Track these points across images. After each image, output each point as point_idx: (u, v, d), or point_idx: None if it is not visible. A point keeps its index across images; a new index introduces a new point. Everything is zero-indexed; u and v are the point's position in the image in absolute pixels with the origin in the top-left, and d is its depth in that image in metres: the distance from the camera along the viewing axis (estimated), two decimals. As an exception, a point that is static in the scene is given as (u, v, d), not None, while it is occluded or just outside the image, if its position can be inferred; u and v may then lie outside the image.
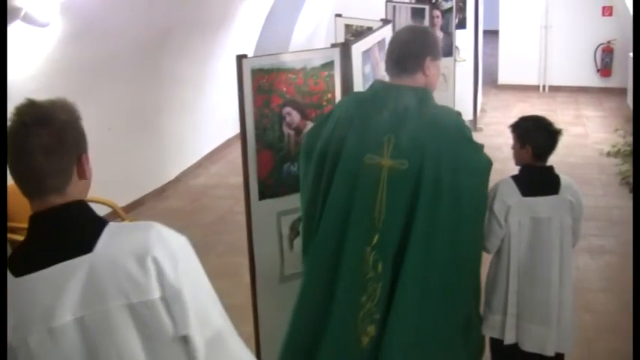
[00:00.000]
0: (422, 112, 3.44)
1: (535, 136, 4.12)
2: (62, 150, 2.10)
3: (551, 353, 4.14)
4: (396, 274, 3.38)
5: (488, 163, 3.54)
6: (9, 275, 2.07)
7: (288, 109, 4.23)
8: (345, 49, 4.42)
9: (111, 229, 2.13)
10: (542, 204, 4.08)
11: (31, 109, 2.10)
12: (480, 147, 3.54)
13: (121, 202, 7.63)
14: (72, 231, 2.11)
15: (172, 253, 2.11)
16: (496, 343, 4.25)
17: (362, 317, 3.45)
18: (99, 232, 2.10)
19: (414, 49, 3.53)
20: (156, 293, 2.06)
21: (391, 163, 3.39)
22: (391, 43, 3.68)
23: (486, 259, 3.97)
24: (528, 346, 4.14)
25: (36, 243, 2.11)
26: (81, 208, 2.16)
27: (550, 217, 4.07)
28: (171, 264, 2.09)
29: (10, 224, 5.46)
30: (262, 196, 4.26)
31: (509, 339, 4.15)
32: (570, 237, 4.14)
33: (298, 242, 4.44)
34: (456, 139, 3.43)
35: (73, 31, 6.59)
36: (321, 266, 3.57)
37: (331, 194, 3.51)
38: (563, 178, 4.16)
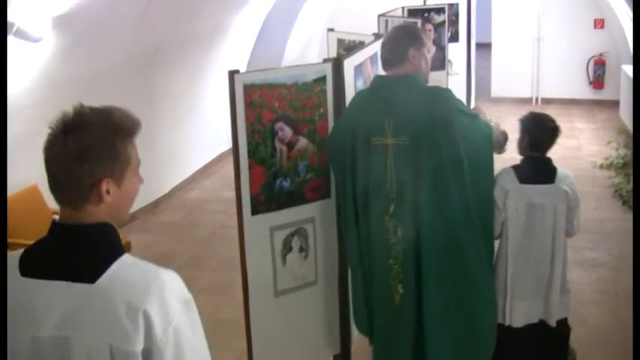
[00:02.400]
0: (412, 94, 3.98)
1: (533, 128, 4.56)
2: (80, 166, 2.05)
3: (535, 320, 4.57)
4: (415, 236, 3.93)
5: (487, 127, 4.15)
6: (16, 271, 2.09)
7: (280, 125, 4.23)
8: (337, 64, 4.43)
9: (121, 265, 2.09)
10: (537, 191, 4.47)
11: (73, 115, 2.09)
12: (475, 115, 4.15)
13: (114, 216, 7.61)
14: (84, 255, 2.08)
15: (167, 313, 2.05)
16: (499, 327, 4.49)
17: (392, 278, 4.05)
18: (109, 263, 2.07)
19: (398, 43, 4.10)
20: (139, 346, 2.01)
21: (393, 141, 3.93)
22: (382, 41, 4.26)
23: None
24: (517, 322, 4.55)
25: (49, 251, 2.10)
26: (103, 232, 2.12)
27: (544, 204, 4.46)
28: (162, 324, 2.03)
29: (8, 240, 5.45)
30: (255, 211, 4.24)
31: (502, 319, 4.52)
32: (563, 224, 4.49)
33: (291, 258, 4.45)
34: (447, 111, 3.93)
35: (65, 46, 6.59)
36: (356, 240, 4.18)
37: (356, 175, 4.08)
38: (561, 170, 4.55)
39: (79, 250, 2.08)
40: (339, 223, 4.58)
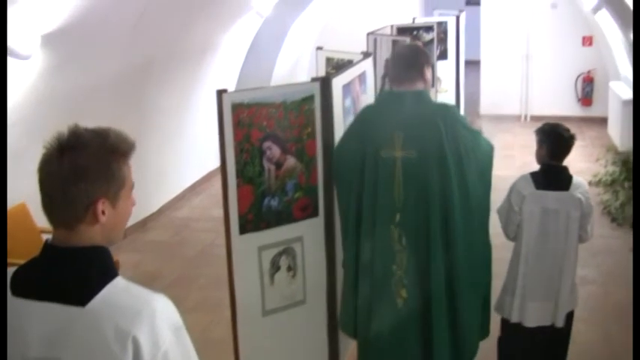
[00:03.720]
0: (422, 109, 4.23)
1: (550, 138, 4.78)
2: (77, 187, 2.06)
3: (547, 323, 4.81)
4: (423, 242, 4.16)
5: (488, 146, 4.33)
6: (7, 290, 2.09)
7: (268, 144, 4.23)
8: (325, 83, 4.44)
9: (113, 289, 2.08)
10: (552, 197, 4.72)
11: (68, 136, 2.09)
12: (477, 132, 4.38)
13: (103, 234, 7.58)
14: (76, 278, 2.08)
15: (157, 340, 2.03)
16: (505, 323, 4.96)
17: (394, 283, 4.24)
18: (101, 286, 2.06)
19: (414, 62, 4.33)
20: None
21: (402, 153, 4.13)
22: (392, 58, 4.57)
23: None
24: (529, 322, 4.82)
25: (41, 272, 2.10)
26: (96, 255, 2.12)
27: (558, 210, 4.71)
28: (151, 350, 2.02)
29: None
30: (243, 230, 4.24)
31: (514, 318, 4.83)
32: (576, 229, 4.73)
33: (279, 277, 4.44)
34: (453, 127, 4.13)
35: (54, 64, 6.59)
36: (359, 246, 4.30)
37: (364, 186, 4.24)
38: (576, 178, 4.80)
39: (71, 272, 2.08)
40: (327, 242, 4.59)
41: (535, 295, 4.79)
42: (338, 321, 4.67)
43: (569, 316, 4.93)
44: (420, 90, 4.29)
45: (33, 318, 2.06)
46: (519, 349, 4.98)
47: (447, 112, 4.24)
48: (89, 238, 2.11)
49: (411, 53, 4.46)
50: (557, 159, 4.79)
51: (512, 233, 4.86)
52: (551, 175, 4.80)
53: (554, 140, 4.78)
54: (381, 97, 4.61)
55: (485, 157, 4.28)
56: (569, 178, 4.78)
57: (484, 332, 4.49)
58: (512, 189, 4.83)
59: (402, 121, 4.16)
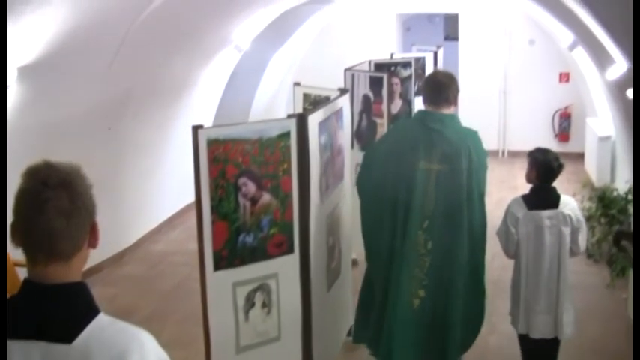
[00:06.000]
0: (455, 130, 4.92)
1: (541, 163, 5.24)
2: (80, 215, 2.10)
3: (550, 336, 5.22)
4: (447, 247, 4.77)
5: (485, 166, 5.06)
6: None
7: (243, 180, 4.22)
8: (301, 119, 4.45)
9: (99, 324, 2.09)
10: (544, 216, 5.17)
11: (50, 170, 2.10)
12: (486, 152, 5.12)
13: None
14: (61, 317, 2.07)
15: None
16: (519, 335, 5.39)
17: (415, 284, 4.76)
18: (87, 322, 2.07)
19: (449, 89, 4.96)
20: None
21: (439, 167, 4.74)
22: (428, 82, 5.15)
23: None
24: (535, 334, 5.23)
25: (24, 311, 2.08)
26: (79, 293, 2.13)
27: (550, 227, 5.16)
28: None
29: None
30: (217, 266, 4.22)
31: (521, 329, 5.29)
32: (567, 244, 5.17)
33: (253, 313, 4.42)
34: (478, 148, 4.94)
35: (30, 97, 6.57)
36: (388, 247, 4.85)
37: (399, 191, 4.78)
38: (564, 197, 5.28)
39: (57, 310, 2.08)
40: (302, 279, 4.58)
41: (538, 307, 5.19)
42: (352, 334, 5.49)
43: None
44: (453, 113, 5.01)
45: (19, 357, 2.04)
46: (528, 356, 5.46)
47: (475, 136, 5.02)
48: (78, 268, 2.15)
49: (446, 80, 5.02)
50: (546, 181, 5.25)
51: (512, 252, 5.30)
52: (541, 195, 5.25)
53: (543, 167, 5.22)
54: (418, 114, 5.32)
55: (485, 173, 5.04)
56: (558, 196, 5.23)
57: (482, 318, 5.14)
58: (507, 212, 5.28)
59: (440, 139, 4.78)
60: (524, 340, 5.36)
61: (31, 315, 2.07)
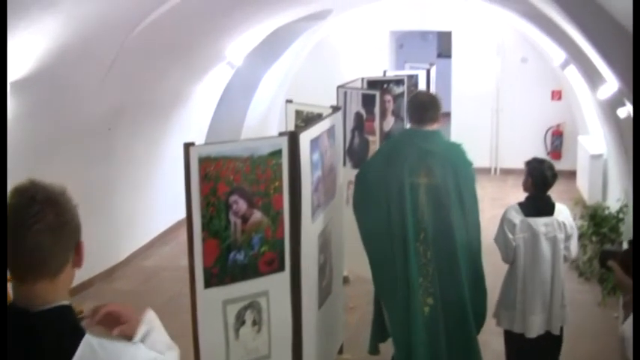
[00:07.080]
0: (440, 144, 5.27)
1: (536, 172, 5.47)
2: (65, 231, 2.11)
3: (542, 332, 5.46)
4: (445, 254, 5.05)
5: (473, 174, 5.39)
6: None
7: (234, 198, 4.22)
8: (292, 137, 4.45)
9: (88, 349, 2.08)
10: (539, 223, 5.40)
11: (37, 187, 2.10)
12: (471, 162, 5.38)
13: (68, 284, 7.49)
14: (50, 343, 2.07)
15: None
16: (508, 334, 5.64)
17: (422, 293, 5.03)
18: (75, 346, 2.07)
19: (433, 108, 5.27)
20: None
21: (427, 180, 5.05)
22: (413, 102, 5.50)
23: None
24: (531, 333, 5.45)
25: (13, 340, 2.07)
26: (66, 315, 2.12)
27: (545, 233, 5.39)
28: None
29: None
30: (208, 284, 4.22)
31: (517, 329, 5.49)
32: (562, 249, 5.42)
33: (244, 331, 4.42)
34: (463, 159, 5.29)
35: (23, 111, 6.55)
36: (394, 260, 5.07)
37: (391, 209, 5.06)
38: (558, 205, 5.53)
39: (48, 338, 2.07)
40: (293, 297, 4.57)
41: (534, 309, 5.42)
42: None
43: (561, 329, 5.58)
44: (437, 130, 5.30)
45: None
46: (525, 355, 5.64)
47: (458, 148, 5.36)
48: (64, 287, 2.14)
49: (430, 100, 5.39)
50: (541, 190, 5.49)
51: (510, 257, 5.48)
52: (537, 203, 5.50)
53: (538, 177, 5.46)
54: (405, 132, 5.84)
55: (474, 184, 5.32)
56: (553, 204, 5.49)
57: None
58: (504, 218, 5.50)
59: (425, 154, 5.11)
60: (515, 339, 5.55)
61: (21, 344, 2.06)
